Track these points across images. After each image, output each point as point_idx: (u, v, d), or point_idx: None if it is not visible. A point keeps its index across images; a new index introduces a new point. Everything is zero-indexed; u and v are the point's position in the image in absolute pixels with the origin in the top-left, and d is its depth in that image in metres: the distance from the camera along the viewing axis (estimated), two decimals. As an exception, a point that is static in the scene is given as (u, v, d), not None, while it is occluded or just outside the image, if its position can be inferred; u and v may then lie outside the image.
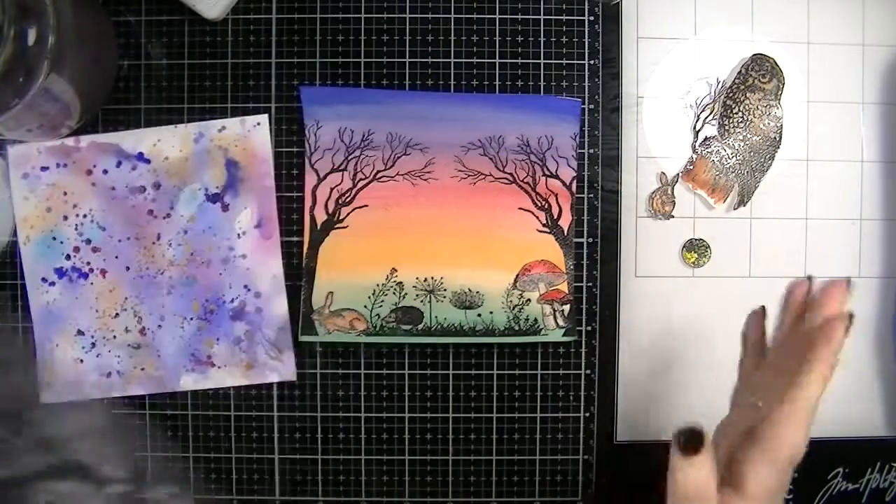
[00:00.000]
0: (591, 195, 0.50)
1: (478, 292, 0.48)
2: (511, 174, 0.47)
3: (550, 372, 0.50)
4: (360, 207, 0.47)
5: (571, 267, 0.49)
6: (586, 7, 0.49)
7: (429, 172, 0.47)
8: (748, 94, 0.49)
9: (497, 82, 0.49)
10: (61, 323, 0.49)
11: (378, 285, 0.48)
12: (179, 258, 0.49)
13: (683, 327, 0.50)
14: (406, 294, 0.48)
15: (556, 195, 0.48)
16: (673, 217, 0.50)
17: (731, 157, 0.49)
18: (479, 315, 0.48)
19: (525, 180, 0.47)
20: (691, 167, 0.50)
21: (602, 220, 0.50)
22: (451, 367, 0.50)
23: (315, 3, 0.49)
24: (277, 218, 0.49)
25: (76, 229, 0.49)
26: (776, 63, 0.49)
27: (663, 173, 0.50)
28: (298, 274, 0.49)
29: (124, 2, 0.49)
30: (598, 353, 0.50)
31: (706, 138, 0.50)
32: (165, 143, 0.49)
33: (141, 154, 0.49)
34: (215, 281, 0.49)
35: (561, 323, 0.48)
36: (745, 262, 0.50)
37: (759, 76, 0.49)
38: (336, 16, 0.49)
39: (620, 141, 0.50)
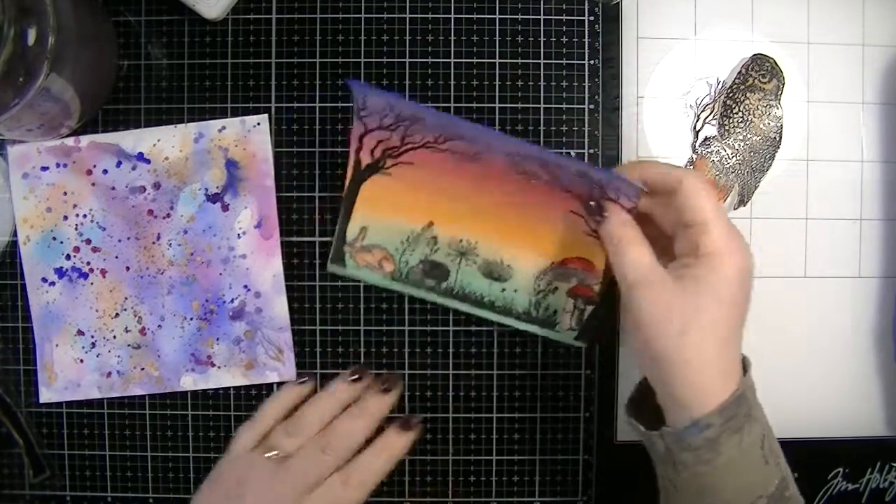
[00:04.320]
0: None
1: (508, 266, 0.46)
2: (567, 186, 0.43)
3: (550, 372, 0.50)
4: (406, 164, 0.45)
5: (607, 278, 0.45)
6: (586, 7, 0.49)
7: (480, 158, 0.43)
8: (748, 94, 0.49)
9: (497, 82, 0.49)
10: (61, 323, 0.49)
11: (413, 233, 0.46)
12: (179, 258, 0.49)
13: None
14: (438, 249, 0.47)
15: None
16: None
17: (731, 157, 0.49)
18: (504, 290, 0.47)
19: (579, 194, 0.43)
20: (691, 167, 0.50)
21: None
22: (451, 368, 0.50)
23: (315, 3, 0.49)
24: (277, 218, 0.49)
25: (76, 229, 0.49)
26: (776, 63, 0.49)
27: (663, 173, 0.50)
28: (299, 275, 0.49)
29: (124, 2, 0.49)
30: (598, 353, 0.50)
31: (706, 138, 0.50)
32: (165, 143, 0.49)
33: (141, 154, 0.49)
34: (215, 281, 0.49)
35: (575, 325, 0.47)
36: (745, 262, 0.50)
37: (759, 76, 0.49)
38: (336, 16, 0.49)
39: (620, 141, 0.50)
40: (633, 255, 0.38)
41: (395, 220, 0.46)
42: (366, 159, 0.45)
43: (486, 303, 0.47)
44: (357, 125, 0.43)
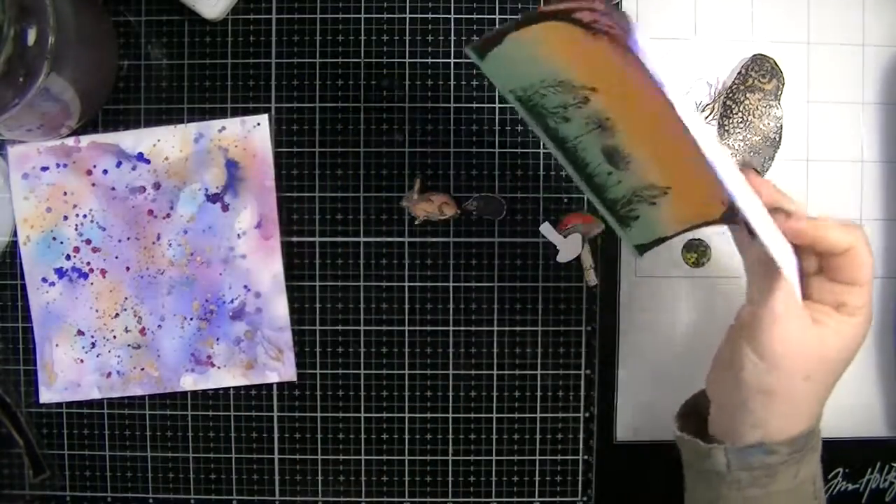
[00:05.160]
0: (591, 195, 0.50)
1: (628, 161, 0.42)
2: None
3: (550, 372, 0.50)
4: (602, 34, 0.37)
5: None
6: (586, 7, 0.49)
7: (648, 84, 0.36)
8: (748, 94, 0.49)
9: (497, 82, 0.49)
10: (61, 323, 0.49)
11: (569, 81, 0.40)
12: (179, 258, 0.49)
13: (683, 327, 0.50)
14: (580, 108, 0.41)
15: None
16: (673, 217, 0.50)
17: (731, 157, 0.49)
18: (610, 173, 0.43)
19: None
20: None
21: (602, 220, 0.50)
22: (451, 367, 0.50)
23: (315, 3, 0.49)
24: (277, 218, 0.49)
25: (76, 229, 0.49)
26: (776, 63, 0.49)
27: (663, 173, 0.50)
28: (299, 275, 0.49)
29: (124, 2, 0.49)
30: (598, 353, 0.50)
31: (706, 138, 0.50)
32: (165, 143, 0.49)
33: (141, 154, 0.49)
34: (215, 281, 0.49)
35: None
36: (745, 262, 0.50)
37: (759, 76, 0.49)
38: (336, 16, 0.49)
39: (620, 141, 0.50)
40: (788, 288, 0.37)
41: (562, 63, 0.40)
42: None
43: (587, 172, 0.43)
44: None
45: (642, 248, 0.45)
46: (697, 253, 0.50)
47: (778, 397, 0.37)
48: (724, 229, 0.50)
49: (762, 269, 0.39)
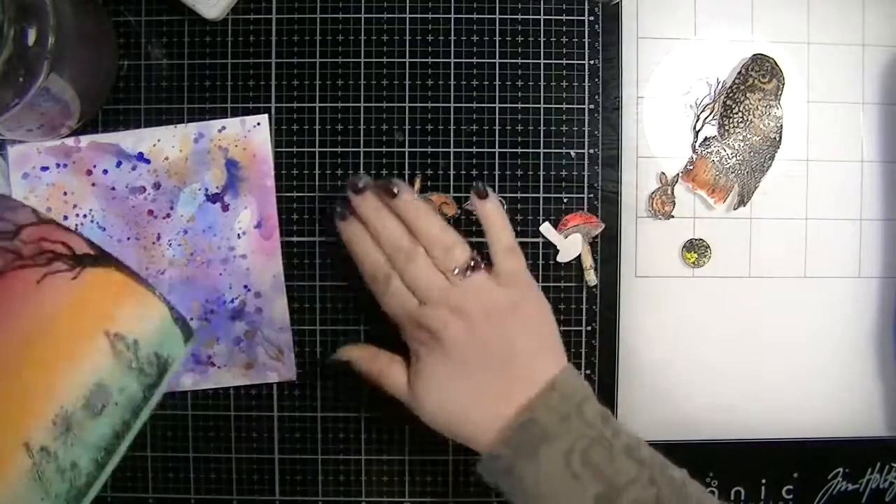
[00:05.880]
0: (591, 195, 0.50)
1: (96, 384, 0.38)
2: None
3: (550, 372, 0.50)
4: None
5: (128, 267, 0.40)
6: (586, 7, 0.49)
7: None
8: (748, 94, 0.49)
9: (497, 82, 0.49)
10: (61, 323, 0.49)
11: (31, 470, 0.36)
12: (179, 258, 0.49)
13: (683, 327, 0.50)
14: (56, 452, 0.37)
15: (43, 238, 0.39)
16: (673, 217, 0.50)
17: (731, 157, 0.49)
18: (117, 403, 0.38)
19: (10, 262, 0.37)
20: (691, 167, 0.50)
21: (602, 220, 0.50)
22: (451, 367, 0.50)
23: (315, 3, 0.49)
24: (277, 218, 0.49)
25: (76, 229, 0.49)
26: (776, 63, 0.49)
27: (663, 173, 0.50)
28: (299, 275, 0.49)
29: (124, 2, 0.49)
30: (598, 353, 0.50)
31: (706, 138, 0.50)
32: (165, 143, 0.49)
33: (141, 154, 0.49)
34: (215, 281, 0.49)
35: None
36: (745, 262, 0.50)
37: (759, 76, 0.49)
38: (336, 16, 0.49)
39: (620, 141, 0.50)
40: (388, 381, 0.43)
41: (13, 484, 0.36)
42: None
43: (122, 428, 0.39)
44: None
45: (187, 335, 0.41)
46: (697, 253, 0.50)
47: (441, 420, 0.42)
48: (725, 229, 0.51)
49: (373, 377, 0.44)
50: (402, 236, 0.41)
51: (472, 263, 0.40)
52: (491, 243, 0.41)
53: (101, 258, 0.39)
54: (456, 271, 0.40)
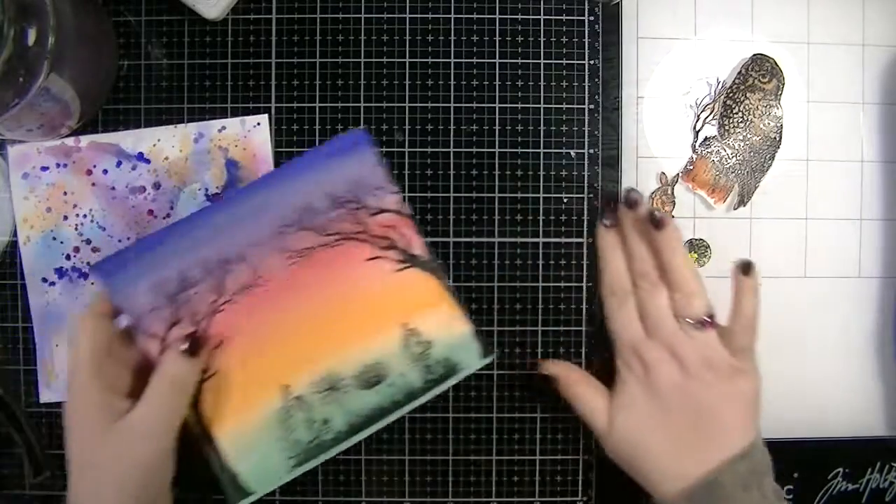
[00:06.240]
0: (591, 195, 0.50)
1: (377, 363, 0.44)
2: (338, 232, 0.43)
3: (550, 372, 0.50)
4: (215, 348, 0.43)
5: (451, 286, 0.46)
6: (586, 7, 0.49)
7: (260, 277, 0.43)
8: (748, 94, 0.49)
9: (497, 82, 0.49)
10: (61, 323, 0.49)
11: (279, 411, 0.44)
12: (179, 258, 0.49)
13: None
14: (311, 404, 0.44)
15: (394, 226, 0.45)
16: (673, 217, 0.50)
17: (731, 157, 0.49)
18: (392, 385, 0.44)
19: (355, 232, 0.44)
20: (691, 167, 0.50)
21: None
22: (451, 367, 0.50)
23: (315, 3, 0.49)
24: (277, 218, 0.49)
25: (76, 229, 0.49)
26: (776, 63, 0.49)
27: (663, 173, 0.50)
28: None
29: (124, 2, 0.49)
30: (598, 354, 0.50)
31: (706, 138, 0.50)
32: (165, 143, 0.49)
33: (141, 154, 0.49)
34: (215, 281, 0.49)
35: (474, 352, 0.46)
36: (745, 262, 0.50)
37: (759, 76, 0.49)
38: (336, 16, 0.49)
39: (620, 141, 0.50)
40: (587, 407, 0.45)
41: (257, 415, 0.43)
42: None
43: (390, 406, 0.45)
44: (151, 346, 0.42)
45: (486, 351, 0.46)
46: (698, 253, 0.50)
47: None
48: (725, 229, 0.51)
49: (568, 399, 0.46)
50: (653, 267, 0.43)
51: (707, 319, 0.42)
52: (736, 312, 0.42)
53: (429, 265, 0.45)
54: (690, 320, 0.41)
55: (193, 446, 0.43)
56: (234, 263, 0.43)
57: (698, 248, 0.50)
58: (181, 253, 0.42)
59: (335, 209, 0.43)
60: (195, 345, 0.41)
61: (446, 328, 0.45)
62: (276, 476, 0.44)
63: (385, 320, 0.44)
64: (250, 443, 0.43)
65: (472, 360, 0.45)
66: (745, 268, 0.42)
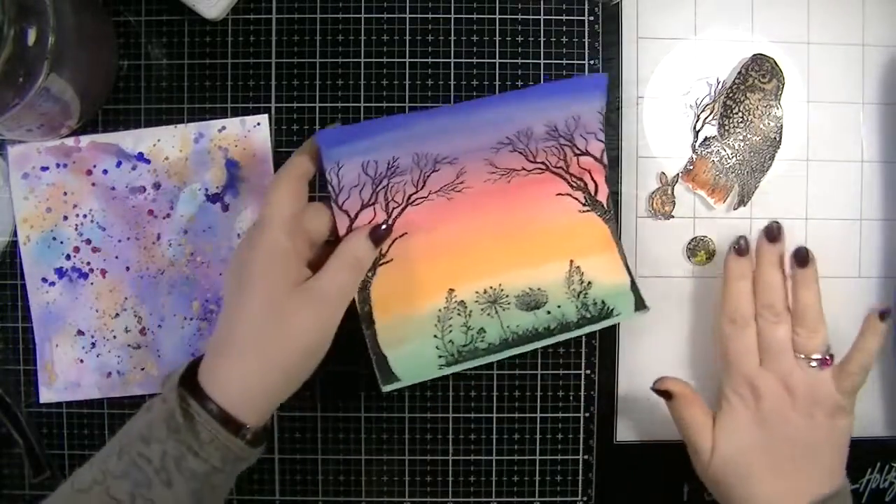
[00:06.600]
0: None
1: (539, 289, 0.46)
2: (543, 162, 0.46)
3: (550, 372, 0.50)
4: (400, 237, 0.45)
5: (620, 238, 0.48)
6: (586, 7, 0.49)
7: (461, 183, 0.45)
8: (748, 94, 0.49)
9: (497, 82, 0.49)
10: (61, 323, 0.49)
11: (441, 310, 0.46)
12: (179, 258, 0.49)
13: (684, 327, 0.50)
14: (471, 312, 0.46)
15: (590, 171, 0.46)
16: (673, 217, 0.50)
17: (731, 157, 0.49)
18: (549, 312, 0.46)
19: (557, 165, 0.46)
20: (691, 167, 0.50)
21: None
22: (451, 367, 0.50)
23: (315, 3, 0.49)
24: (277, 218, 0.49)
25: (76, 229, 0.49)
26: (776, 63, 0.49)
27: (663, 173, 0.50)
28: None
29: (124, 2, 0.49)
30: (598, 353, 0.50)
31: (706, 138, 0.50)
32: (165, 143, 0.49)
33: (141, 154, 0.49)
34: (215, 281, 0.49)
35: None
36: (745, 262, 0.50)
37: (759, 76, 0.49)
38: (336, 16, 0.49)
39: (620, 141, 0.50)
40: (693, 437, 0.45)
41: (419, 307, 0.45)
42: None
43: (543, 332, 0.47)
44: (340, 219, 0.43)
45: (638, 304, 0.48)
46: (706, 252, 0.50)
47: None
48: (725, 229, 0.51)
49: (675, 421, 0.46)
50: (781, 299, 0.44)
51: (826, 358, 0.43)
52: (855, 354, 0.43)
53: (607, 214, 0.47)
54: (807, 357, 0.43)
55: (353, 324, 0.45)
56: (443, 165, 0.44)
57: (705, 246, 0.50)
58: (401, 143, 0.43)
59: (549, 140, 0.45)
60: (382, 234, 0.42)
61: (608, 274, 0.47)
62: (424, 370, 0.46)
63: (556, 253, 0.46)
64: (407, 333, 0.45)
65: (626, 309, 0.47)
66: (882, 314, 0.43)
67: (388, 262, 0.45)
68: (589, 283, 0.47)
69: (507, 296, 0.46)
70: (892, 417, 0.51)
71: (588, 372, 0.50)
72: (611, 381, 0.50)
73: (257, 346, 0.38)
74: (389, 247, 0.45)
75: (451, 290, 0.46)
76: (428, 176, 0.44)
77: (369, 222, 0.43)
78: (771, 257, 0.45)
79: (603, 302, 0.47)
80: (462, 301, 0.46)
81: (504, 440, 0.50)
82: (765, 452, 0.42)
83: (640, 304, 0.47)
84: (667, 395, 0.45)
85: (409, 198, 0.44)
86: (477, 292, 0.46)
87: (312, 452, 0.50)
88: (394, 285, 0.45)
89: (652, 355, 0.50)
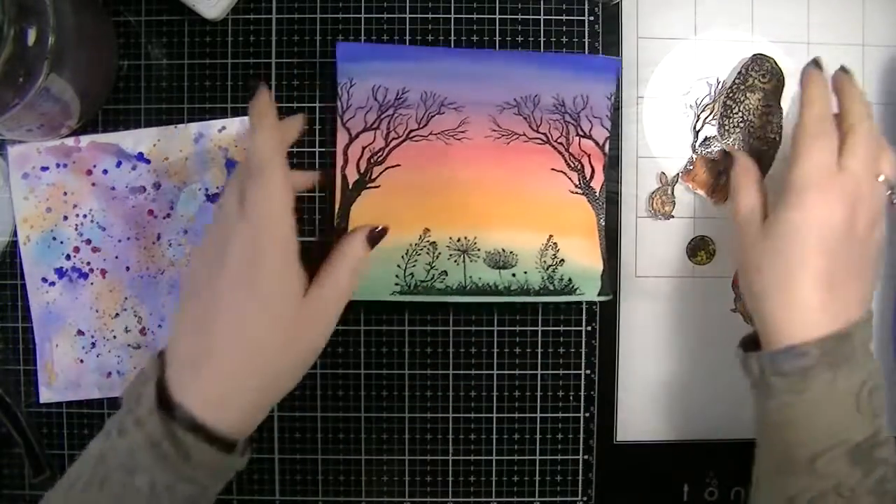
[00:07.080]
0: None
1: (511, 252, 0.48)
2: (545, 134, 0.47)
3: (550, 372, 0.50)
4: (392, 167, 0.47)
5: (603, 226, 0.49)
6: (586, 7, 0.49)
7: (462, 132, 0.47)
8: (748, 94, 0.49)
9: (497, 82, 0.49)
10: (61, 323, 0.49)
11: (411, 245, 0.47)
12: (179, 258, 0.49)
13: (684, 327, 0.50)
14: (440, 254, 0.48)
15: (589, 156, 0.48)
16: (673, 217, 0.50)
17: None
18: (514, 275, 0.48)
19: (559, 140, 0.47)
20: (691, 167, 0.50)
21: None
22: (450, 367, 0.50)
23: (315, 3, 0.49)
24: (277, 218, 0.49)
25: (76, 229, 0.49)
26: (776, 63, 0.49)
27: (663, 173, 0.50)
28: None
29: (124, 2, 0.49)
30: (598, 353, 0.50)
31: (706, 138, 0.50)
32: (165, 143, 0.49)
33: (141, 154, 0.49)
34: (215, 281, 0.49)
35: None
36: (745, 262, 0.50)
37: (759, 76, 0.49)
38: (336, 16, 0.49)
39: (620, 141, 0.50)
40: (743, 199, 0.43)
41: (392, 236, 0.44)
42: (352, 175, 0.47)
43: (501, 290, 0.48)
44: (341, 134, 0.45)
45: (603, 290, 0.49)
46: (707, 252, 0.50)
47: (774, 298, 0.39)
48: (725, 229, 0.51)
49: (731, 192, 0.44)
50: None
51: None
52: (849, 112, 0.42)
53: (597, 201, 0.48)
54: (882, 177, 0.41)
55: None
56: (448, 109, 0.46)
57: (706, 246, 0.50)
58: (413, 76, 0.45)
59: (554, 113, 0.47)
60: (377, 237, 0.42)
61: (583, 257, 0.48)
62: (376, 292, 0.48)
63: (538, 224, 0.48)
64: (372, 256, 0.44)
65: (590, 291, 0.48)
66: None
67: (375, 187, 0.47)
68: (562, 260, 0.48)
69: (478, 249, 0.48)
70: (893, 417, 0.51)
71: (588, 372, 0.50)
72: (611, 381, 0.50)
73: (257, 363, 0.35)
74: (381, 173, 0.47)
75: (426, 229, 0.47)
76: (432, 116, 0.46)
77: (366, 146, 0.46)
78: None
79: (570, 280, 0.48)
80: (434, 242, 0.47)
81: (504, 440, 0.50)
82: (812, 267, 0.39)
83: (605, 291, 0.48)
84: (728, 157, 0.45)
85: (409, 133, 0.46)
86: (451, 238, 0.48)
87: (312, 452, 0.50)
88: (373, 210, 0.47)
89: (652, 356, 0.50)
